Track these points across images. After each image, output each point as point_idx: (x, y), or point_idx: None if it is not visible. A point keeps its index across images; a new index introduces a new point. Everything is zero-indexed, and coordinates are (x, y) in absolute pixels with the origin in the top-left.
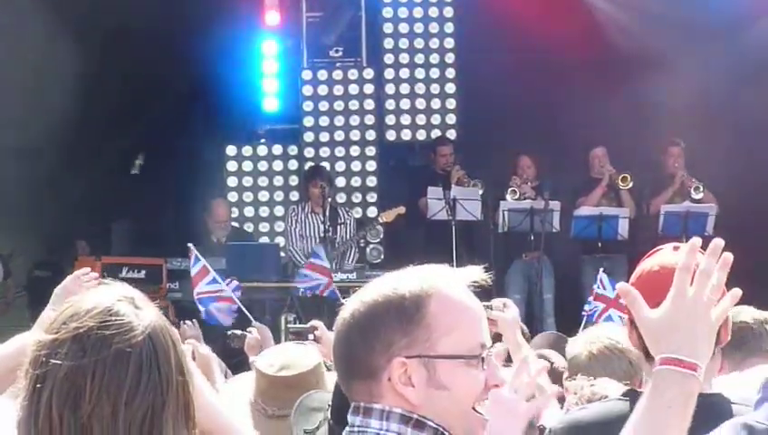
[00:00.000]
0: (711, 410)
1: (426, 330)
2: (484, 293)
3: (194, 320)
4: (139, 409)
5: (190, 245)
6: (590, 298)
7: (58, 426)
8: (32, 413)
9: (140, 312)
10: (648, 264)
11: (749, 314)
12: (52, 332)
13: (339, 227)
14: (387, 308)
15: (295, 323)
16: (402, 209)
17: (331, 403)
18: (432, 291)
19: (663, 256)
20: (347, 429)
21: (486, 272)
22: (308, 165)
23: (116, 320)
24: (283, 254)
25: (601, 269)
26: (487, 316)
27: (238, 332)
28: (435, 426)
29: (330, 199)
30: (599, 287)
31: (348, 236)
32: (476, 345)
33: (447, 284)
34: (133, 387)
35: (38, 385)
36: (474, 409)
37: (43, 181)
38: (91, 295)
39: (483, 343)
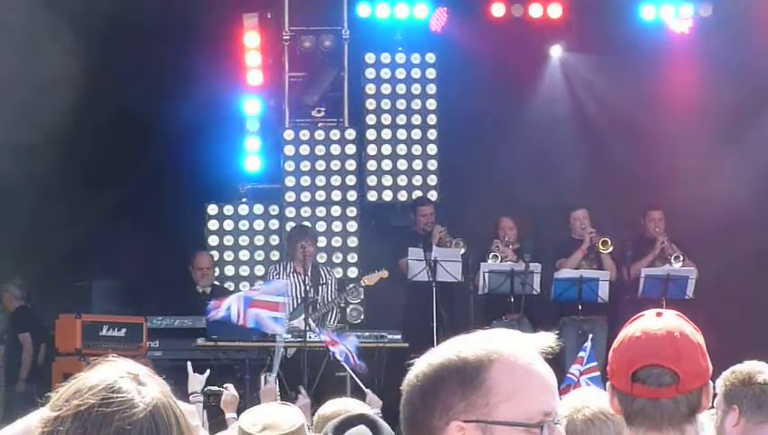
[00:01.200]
0: None
1: (485, 395)
2: None
3: (229, 385)
4: None
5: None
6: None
7: None
8: None
9: (143, 388)
10: (630, 329)
11: None
12: (56, 409)
13: (321, 287)
14: (448, 371)
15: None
16: (385, 273)
17: None
18: (494, 356)
19: (645, 321)
20: None
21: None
22: (289, 224)
23: (118, 397)
24: None
25: (590, 337)
26: None
27: (215, 388)
28: None
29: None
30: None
31: (330, 298)
32: (538, 413)
33: (513, 349)
34: None
35: None
36: None
37: (25, 236)
38: (96, 372)
39: (546, 411)
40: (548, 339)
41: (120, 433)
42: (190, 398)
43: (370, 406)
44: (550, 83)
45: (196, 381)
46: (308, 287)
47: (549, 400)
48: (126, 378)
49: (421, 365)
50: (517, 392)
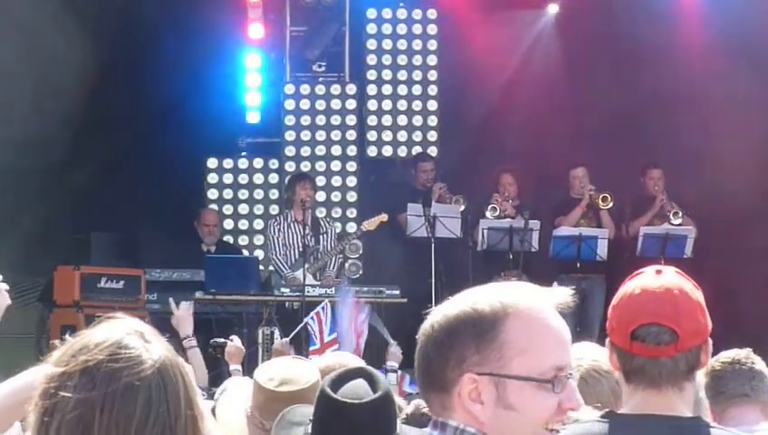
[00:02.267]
0: (689, 434)
1: (498, 349)
2: None
3: (234, 337)
4: None
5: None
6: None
7: None
8: None
9: (150, 345)
10: (629, 286)
11: (720, 357)
12: (62, 364)
13: (321, 236)
14: (464, 323)
15: (271, 336)
16: (385, 217)
17: (312, 418)
18: (510, 310)
19: (644, 278)
20: None
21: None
22: (288, 178)
23: (125, 353)
24: (262, 267)
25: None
26: None
27: (220, 340)
28: None
29: (311, 209)
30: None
31: (329, 247)
32: (550, 368)
33: (528, 303)
34: (142, 421)
35: (46, 418)
36: (548, 428)
37: (26, 188)
38: (101, 329)
39: (559, 365)
40: (564, 294)
41: (129, 389)
42: (183, 342)
43: (390, 359)
44: (549, 39)
45: (187, 323)
46: (309, 237)
47: (562, 354)
48: (133, 335)
49: (437, 315)
50: (531, 347)
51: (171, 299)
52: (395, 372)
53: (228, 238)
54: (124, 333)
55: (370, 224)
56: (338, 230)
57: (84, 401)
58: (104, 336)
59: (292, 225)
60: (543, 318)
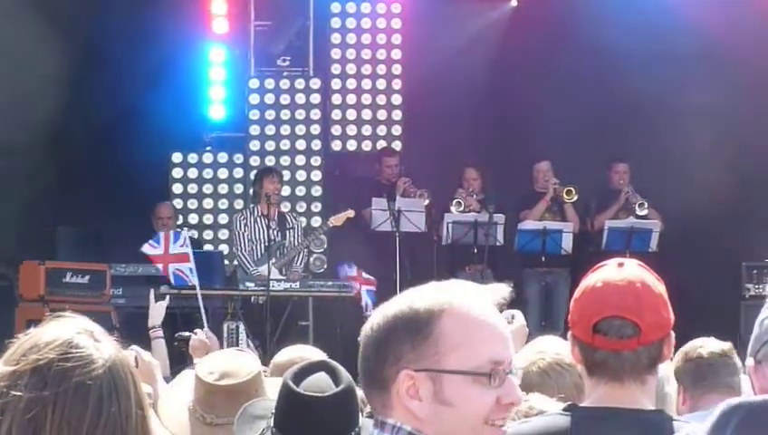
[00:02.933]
0: (652, 427)
1: (434, 344)
2: None
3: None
4: None
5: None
6: None
7: None
8: None
9: (100, 345)
10: (591, 279)
11: (708, 347)
12: (12, 363)
13: (287, 232)
14: (400, 321)
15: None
16: (351, 213)
17: (274, 411)
18: (445, 306)
19: (607, 271)
20: None
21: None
22: (254, 173)
23: (76, 353)
24: (227, 261)
25: None
26: None
27: (186, 334)
28: None
29: (277, 204)
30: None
31: (296, 242)
32: (486, 362)
33: (464, 300)
34: (94, 420)
35: None
36: (489, 424)
37: None
38: (51, 328)
39: (496, 359)
40: (502, 290)
41: (80, 388)
42: (150, 332)
43: None
44: (511, 31)
45: (157, 314)
46: (275, 232)
47: (500, 349)
48: (83, 334)
49: (376, 316)
50: (466, 342)
51: (152, 290)
52: None
53: (193, 233)
54: (74, 333)
55: (337, 220)
56: (303, 225)
57: (35, 400)
58: (54, 335)
59: (258, 219)
60: (479, 314)
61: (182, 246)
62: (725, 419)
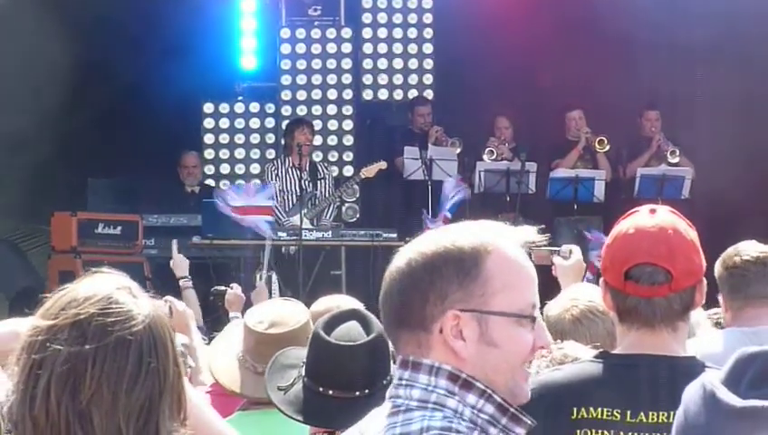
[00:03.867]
0: (683, 373)
1: (482, 285)
2: None
3: (234, 284)
4: (138, 397)
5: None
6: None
7: (56, 411)
8: (27, 398)
9: (138, 301)
10: (623, 226)
11: (744, 253)
12: (50, 317)
13: (318, 182)
14: (445, 260)
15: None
16: (384, 164)
17: (305, 360)
18: (491, 247)
19: (638, 218)
20: (394, 381)
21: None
22: (285, 123)
23: (117, 308)
24: None
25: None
26: (548, 260)
27: (222, 287)
28: (483, 388)
29: (309, 154)
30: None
31: (327, 193)
32: (528, 305)
33: (506, 242)
34: (134, 375)
35: (35, 370)
36: (525, 366)
37: (20, 133)
38: (89, 283)
39: (534, 303)
40: (532, 233)
41: (121, 343)
42: (180, 282)
43: None
44: None
45: (182, 265)
46: (306, 182)
47: (535, 292)
48: (122, 290)
49: (410, 253)
50: (511, 284)
51: (175, 241)
52: None
53: (225, 183)
54: (113, 288)
55: (369, 171)
56: (335, 174)
57: (76, 354)
58: (93, 290)
59: (289, 170)
60: (518, 256)
61: (269, 198)
62: (740, 369)
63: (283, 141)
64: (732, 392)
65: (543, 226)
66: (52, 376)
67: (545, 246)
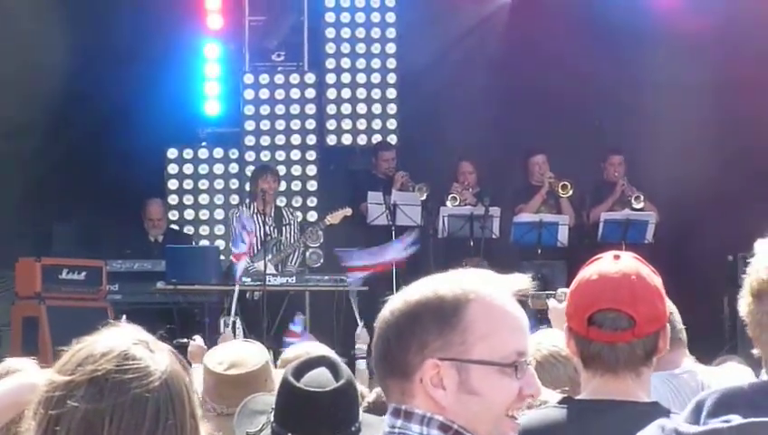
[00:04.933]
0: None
1: (461, 334)
2: None
3: (197, 336)
4: None
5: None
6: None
7: None
8: None
9: (156, 356)
10: (587, 272)
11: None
12: (67, 373)
13: (284, 227)
14: (425, 308)
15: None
16: (348, 211)
17: (274, 406)
18: (472, 295)
19: (602, 264)
20: (386, 429)
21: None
22: (249, 168)
23: (133, 364)
24: (222, 257)
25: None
26: (544, 305)
27: (184, 340)
28: None
29: (273, 200)
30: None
31: (292, 239)
32: (511, 353)
33: (489, 289)
34: (151, 432)
35: (52, 427)
36: (509, 415)
37: None
38: (105, 338)
39: (520, 350)
40: (521, 280)
41: (138, 401)
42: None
43: (357, 341)
44: (506, 24)
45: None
46: (271, 228)
47: (522, 340)
48: (139, 345)
49: (396, 302)
50: (493, 332)
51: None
52: (363, 357)
53: (189, 228)
54: (130, 343)
55: (334, 217)
56: (299, 220)
57: (92, 411)
58: (110, 346)
59: (254, 215)
60: (504, 304)
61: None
62: (700, 404)
63: (247, 187)
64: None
65: (535, 274)
66: (70, 433)
67: (540, 290)
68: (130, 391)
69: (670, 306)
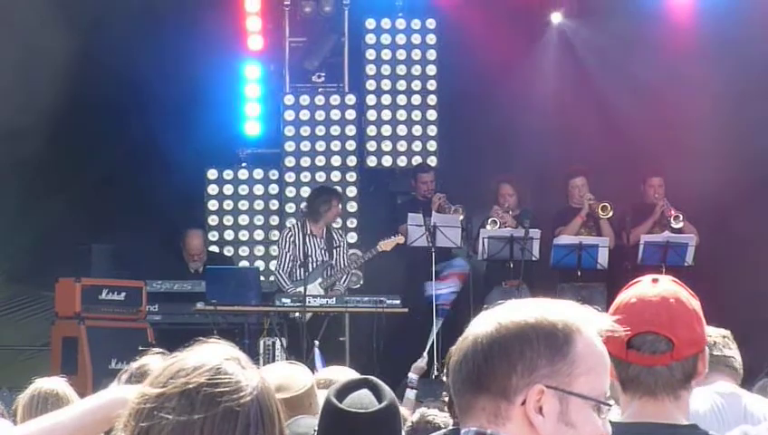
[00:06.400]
0: None
1: (570, 365)
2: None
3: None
4: None
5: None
6: None
7: None
8: None
9: (247, 372)
10: (625, 295)
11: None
12: (159, 385)
13: (334, 250)
14: (537, 332)
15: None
16: (401, 239)
17: (317, 428)
18: (582, 328)
19: (641, 287)
20: None
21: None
22: (289, 189)
23: (225, 378)
24: (262, 277)
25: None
26: None
27: None
28: None
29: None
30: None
31: (342, 262)
32: (604, 392)
33: (589, 324)
34: None
35: None
36: None
37: (26, 197)
38: (198, 353)
39: (607, 392)
40: (609, 322)
41: (229, 414)
42: None
43: (414, 370)
44: (549, 49)
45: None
46: (323, 251)
47: (608, 380)
48: (231, 361)
49: (500, 319)
50: (594, 368)
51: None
52: (414, 388)
53: (228, 250)
54: (222, 359)
55: (387, 244)
56: (351, 241)
57: (183, 423)
58: (202, 360)
59: (308, 237)
60: (599, 341)
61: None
62: None
63: (305, 206)
64: None
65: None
66: None
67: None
68: (221, 404)
69: (727, 334)
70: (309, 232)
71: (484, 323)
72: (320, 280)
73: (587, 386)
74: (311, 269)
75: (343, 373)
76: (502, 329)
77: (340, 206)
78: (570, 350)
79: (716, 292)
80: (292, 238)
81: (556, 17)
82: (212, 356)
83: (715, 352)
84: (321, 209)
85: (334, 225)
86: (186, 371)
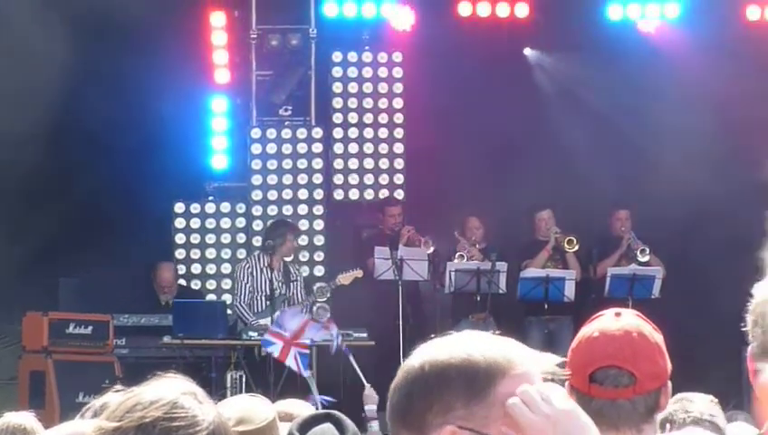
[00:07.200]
0: None
1: (487, 408)
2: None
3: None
4: None
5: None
6: None
7: None
8: None
9: (203, 407)
10: (588, 329)
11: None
12: (115, 419)
13: (291, 284)
14: (458, 373)
15: (240, 380)
16: (360, 273)
17: None
18: (506, 371)
19: (603, 321)
20: None
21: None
22: (256, 223)
23: (182, 413)
24: (229, 311)
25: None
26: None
27: None
28: None
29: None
30: None
31: (299, 296)
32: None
33: (522, 367)
34: None
35: None
36: None
37: None
38: (154, 387)
39: None
40: (552, 361)
41: None
42: None
43: (366, 402)
44: (517, 83)
45: None
46: (279, 283)
47: None
48: (187, 395)
49: (427, 356)
50: None
51: None
52: (375, 419)
53: (196, 283)
54: (179, 393)
55: (345, 278)
56: (305, 274)
57: None
58: (158, 395)
59: (264, 269)
60: (530, 384)
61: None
62: None
63: (263, 240)
64: None
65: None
66: None
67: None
68: None
69: (714, 399)
70: (265, 264)
71: (415, 358)
72: (276, 313)
73: (504, 428)
74: (265, 302)
75: (302, 406)
76: (425, 366)
77: (296, 241)
78: (489, 394)
79: (682, 322)
80: (249, 270)
81: (528, 51)
82: (168, 391)
83: (705, 417)
84: (276, 243)
85: (301, 258)
86: (142, 405)
